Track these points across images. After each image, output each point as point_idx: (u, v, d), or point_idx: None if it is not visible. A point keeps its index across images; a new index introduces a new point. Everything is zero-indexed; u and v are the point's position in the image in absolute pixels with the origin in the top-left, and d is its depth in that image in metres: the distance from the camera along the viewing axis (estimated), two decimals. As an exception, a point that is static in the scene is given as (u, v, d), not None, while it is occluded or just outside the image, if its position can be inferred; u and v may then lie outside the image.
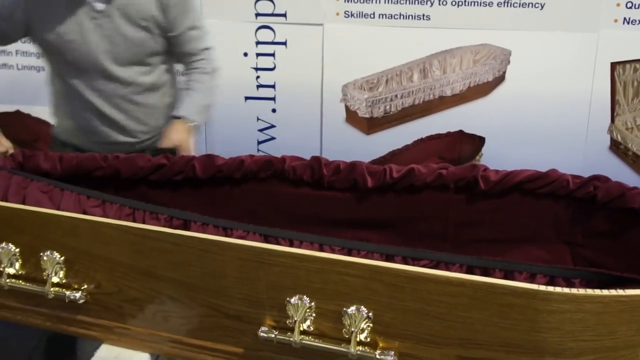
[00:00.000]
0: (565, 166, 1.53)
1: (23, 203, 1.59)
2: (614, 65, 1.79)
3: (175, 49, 2.08)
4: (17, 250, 1.46)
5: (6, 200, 1.57)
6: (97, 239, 1.37)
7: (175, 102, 2.13)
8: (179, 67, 2.17)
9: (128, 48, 1.99)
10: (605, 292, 1.06)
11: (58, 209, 1.59)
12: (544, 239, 1.51)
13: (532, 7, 1.80)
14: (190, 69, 2.10)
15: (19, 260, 1.48)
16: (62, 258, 1.43)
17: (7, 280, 1.46)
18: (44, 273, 1.44)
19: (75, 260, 1.42)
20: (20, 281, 1.47)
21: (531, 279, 1.33)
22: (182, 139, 2.01)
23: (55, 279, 1.44)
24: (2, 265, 1.47)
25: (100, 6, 1.95)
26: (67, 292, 1.43)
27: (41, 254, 1.43)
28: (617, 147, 1.84)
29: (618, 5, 1.74)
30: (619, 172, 1.76)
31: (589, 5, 1.76)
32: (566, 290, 1.08)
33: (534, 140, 1.88)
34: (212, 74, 2.10)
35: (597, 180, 1.45)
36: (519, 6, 1.80)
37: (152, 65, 2.07)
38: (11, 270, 1.47)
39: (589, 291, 1.07)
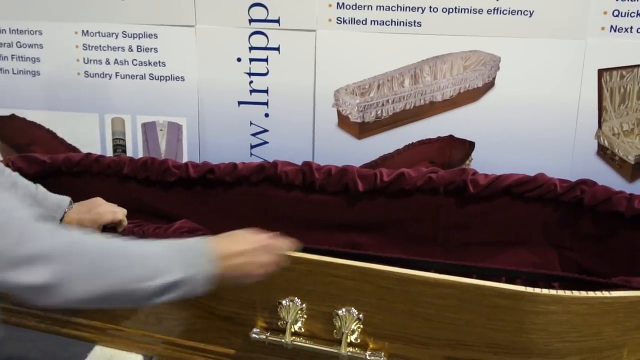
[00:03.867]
0: (553, 171, 1.54)
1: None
2: (601, 72, 1.81)
3: None
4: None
5: None
6: (91, 241, 1.38)
7: None
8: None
9: None
10: (591, 293, 1.08)
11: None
12: (533, 241, 1.52)
13: (521, 14, 1.82)
14: None
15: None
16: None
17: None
18: (38, 275, 1.45)
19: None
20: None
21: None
22: None
23: (49, 281, 1.45)
24: None
25: None
26: (61, 294, 1.44)
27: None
28: (604, 153, 1.86)
29: (605, 13, 1.76)
30: (606, 177, 1.77)
31: (577, 13, 1.78)
32: (553, 292, 1.09)
33: (523, 145, 1.89)
34: None
35: (584, 184, 1.47)
36: (509, 13, 1.82)
37: None
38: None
39: (575, 293, 1.08)
